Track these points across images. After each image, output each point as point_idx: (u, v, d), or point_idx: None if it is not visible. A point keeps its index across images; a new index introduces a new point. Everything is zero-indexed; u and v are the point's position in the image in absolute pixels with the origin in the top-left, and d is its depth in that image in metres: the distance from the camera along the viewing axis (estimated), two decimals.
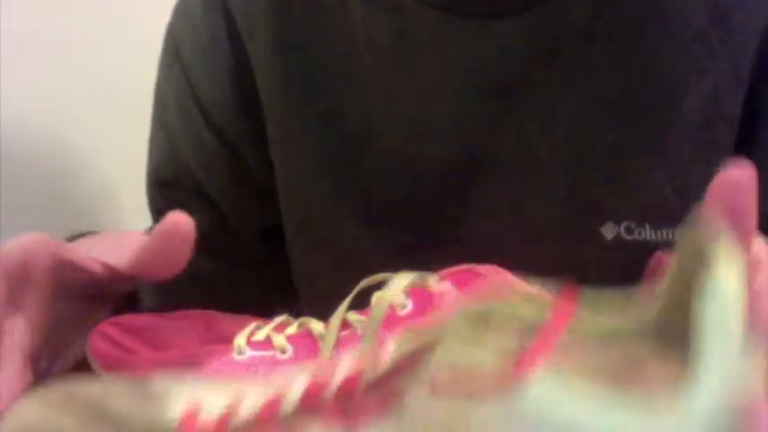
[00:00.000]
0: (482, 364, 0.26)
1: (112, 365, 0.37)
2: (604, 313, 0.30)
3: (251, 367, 0.38)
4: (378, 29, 0.48)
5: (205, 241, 0.36)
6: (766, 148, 0.47)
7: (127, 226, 1.06)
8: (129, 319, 0.40)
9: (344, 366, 0.29)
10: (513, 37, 0.47)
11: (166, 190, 0.55)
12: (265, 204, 0.53)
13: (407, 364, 0.29)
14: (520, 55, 0.47)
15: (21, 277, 0.34)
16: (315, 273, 0.53)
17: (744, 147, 0.47)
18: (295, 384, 0.30)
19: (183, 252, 0.34)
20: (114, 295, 0.38)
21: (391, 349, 0.29)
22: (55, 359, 0.36)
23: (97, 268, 0.35)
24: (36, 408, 0.30)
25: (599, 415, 0.26)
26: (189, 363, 0.38)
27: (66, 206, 0.99)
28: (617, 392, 0.27)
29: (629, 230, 0.47)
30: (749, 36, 0.46)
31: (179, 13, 0.55)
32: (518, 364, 0.26)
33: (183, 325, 0.41)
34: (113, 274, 0.35)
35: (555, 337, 0.27)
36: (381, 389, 0.29)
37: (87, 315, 0.37)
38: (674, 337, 0.28)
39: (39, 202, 0.94)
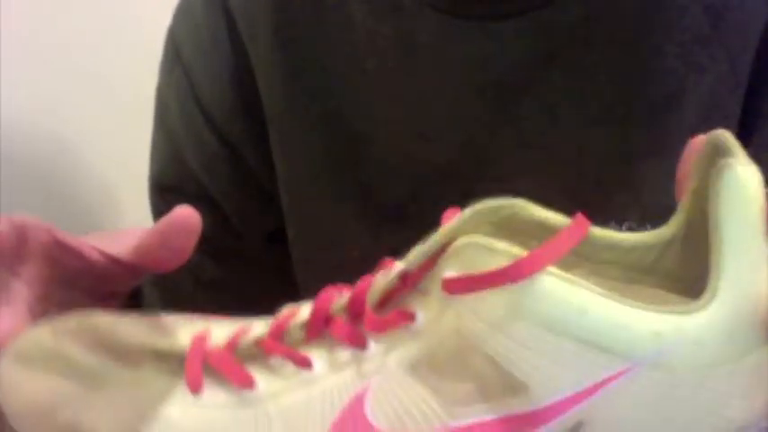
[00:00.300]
0: (492, 263, 0.26)
1: None
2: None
3: None
4: (378, 30, 0.48)
5: (208, 244, 0.36)
6: (765, 148, 0.47)
7: (127, 226, 1.05)
8: None
9: (350, 289, 0.29)
10: (513, 39, 0.47)
11: (168, 195, 0.55)
12: (267, 205, 0.53)
13: (415, 278, 0.29)
14: (520, 56, 0.47)
15: (20, 243, 0.33)
16: (316, 273, 0.53)
17: (744, 146, 0.47)
18: (301, 310, 0.30)
19: (188, 244, 0.34)
20: (117, 294, 0.38)
21: (398, 266, 0.29)
22: None
23: (95, 255, 0.35)
24: (45, 334, 0.30)
25: (612, 307, 0.26)
26: None
27: (67, 206, 0.99)
28: (631, 295, 0.27)
29: (631, 231, 0.47)
30: (748, 36, 0.46)
31: (180, 14, 0.55)
32: (528, 260, 0.26)
33: None
34: (114, 265, 0.35)
35: (567, 244, 0.26)
36: (390, 305, 0.29)
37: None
38: (695, 246, 0.28)
39: (39, 202, 0.94)
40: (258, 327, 0.31)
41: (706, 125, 0.47)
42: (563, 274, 0.26)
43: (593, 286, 0.26)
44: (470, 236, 0.27)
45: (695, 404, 0.27)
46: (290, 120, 0.51)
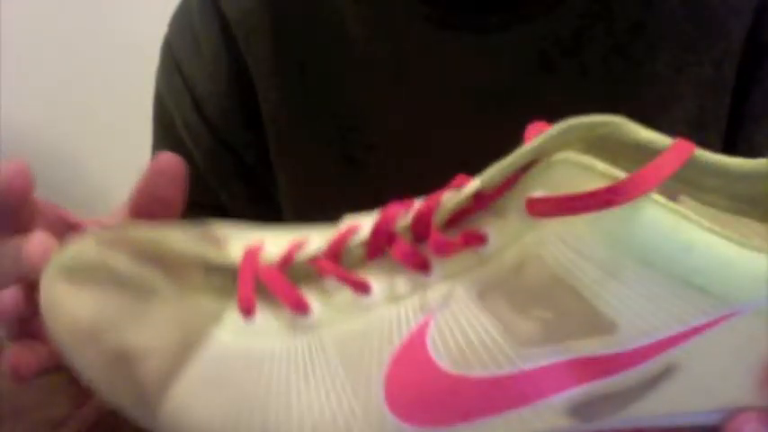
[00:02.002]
0: (588, 185, 0.23)
1: None
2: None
3: None
4: (373, 42, 0.48)
5: None
6: (753, 149, 0.47)
7: None
8: None
9: (417, 203, 0.27)
10: (507, 49, 0.47)
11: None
12: (274, 210, 0.53)
13: (491, 198, 0.26)
14: (512, 68, 0.47)
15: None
16: None
17: (730, 151, 0.46)
18: (362, 226, 0.27)
19: (176, 193, 0.34)
20: None
21: (473, 185, 0.26)
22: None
23: (88, 222, 0.34)
24: (88, 245, 0.28)
25: (720, 245, 0.23)
26: None
27: (66, 207, 0.98)
28: (738, 230, 0.24)
29: None
30: (732, 41, 0.46)
31: (176, 23, 0.54)
32: (630, 183, 0.23)
33: None
34: None
35: (670, 166, 0.23)
36: (460, 226, 0.26)
37: None
38: None
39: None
40: (314, 241, 0.28)
41: (694, 131, 0.46)
42: (667, 203, 0.23)
43: (700, 219, 0.23)
44: (565, 152, 0.24)
45: None
46: (286, 125, 0.50)
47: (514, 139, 0.46)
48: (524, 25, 0.46)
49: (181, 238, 0.29)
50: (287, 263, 0.28)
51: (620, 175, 0.23)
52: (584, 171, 0.23)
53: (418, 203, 0.27)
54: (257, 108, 0.51)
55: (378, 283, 0.26)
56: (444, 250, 0.26)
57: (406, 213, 0.27)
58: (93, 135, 1.01)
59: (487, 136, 0.47)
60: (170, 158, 0.33)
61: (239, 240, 0.29)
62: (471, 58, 0.47)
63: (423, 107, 0.48)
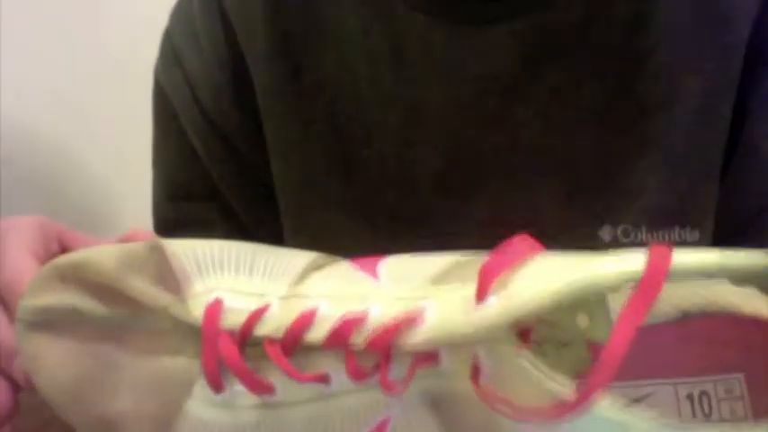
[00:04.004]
0: (535, 384, 0.25)
1: None
2: None
3: None
4: (371, 35, 0.48)
5: None
6: (753, 147, 0.46)
7: (126, 225, 1.05)
8: None
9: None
10: (504, 43, 0.46)
11: (179, 202, 0.55)
12: (275, 206, 0.53)
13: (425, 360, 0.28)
14: (511, 60, 0.46)
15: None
16: None
17: (733, 146, 0.46)
18: (317, 322, 0.29)
19: None
20: None
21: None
22: None
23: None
24: (53, 283, 0.30)
25: None
26: None
27: (66, 208, 0.99)
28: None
29: (626, 233, 0.47)
30: (738, 34, 0.45)
31: (176, 16, 0.54)
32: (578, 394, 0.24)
33: None
34: None
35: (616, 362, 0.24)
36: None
37: None
38: None
39: (38, 204, 0.94)
40: (273, 314, 0.29)
41: (699, 126, 0.46)
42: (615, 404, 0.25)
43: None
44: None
45: None
46: (284, 121, 0.50)
47: (512, 131, 0.46)
48: (523, 18, 0.45)
49: (140, 279, 0.30)
50: (245, 337, 0.29)
51: None
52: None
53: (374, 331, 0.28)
54: (255, 104, 0.51)
55: (335, 372, 0.28)
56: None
57: (359, 330, 0.28)
58: (93, 135, 1.00)
59: (486, 128, 0.47)
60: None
61: (199, 283, 0.30)
62: (470, 50, 0.46)
63: (421, 100, 0.48)
